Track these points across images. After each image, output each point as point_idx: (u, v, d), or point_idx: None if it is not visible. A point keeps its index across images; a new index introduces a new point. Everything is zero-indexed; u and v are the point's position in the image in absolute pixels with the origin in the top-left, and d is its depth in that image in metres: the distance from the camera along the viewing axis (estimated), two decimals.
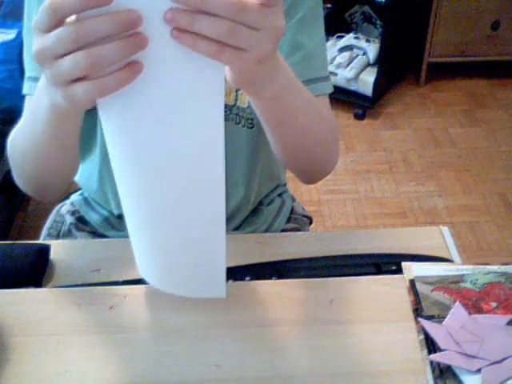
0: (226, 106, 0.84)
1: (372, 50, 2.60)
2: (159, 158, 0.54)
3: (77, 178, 0.95)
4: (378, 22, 2.70)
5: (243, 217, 0.95)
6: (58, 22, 0.47)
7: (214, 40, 0.47)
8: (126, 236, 0.85)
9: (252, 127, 0.85)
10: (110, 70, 0.48)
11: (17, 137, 0.75)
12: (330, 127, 0.79)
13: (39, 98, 0.61)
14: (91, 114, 0.83)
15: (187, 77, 0.49)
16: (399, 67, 2.82)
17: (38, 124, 0.65)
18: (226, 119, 0.85)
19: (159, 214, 0.60)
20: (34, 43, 0.50)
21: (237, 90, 0.83)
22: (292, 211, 1.04)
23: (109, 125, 0.54)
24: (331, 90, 0.82)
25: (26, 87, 0.79)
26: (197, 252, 0.63)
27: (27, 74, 0.80)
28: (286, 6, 0.76)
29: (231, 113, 0.84)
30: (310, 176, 0.85)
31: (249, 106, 0.83)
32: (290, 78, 0.63)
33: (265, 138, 0.90)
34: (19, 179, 0.80)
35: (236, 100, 0.83)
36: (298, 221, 1.04)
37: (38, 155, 0.72)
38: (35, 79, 0.78)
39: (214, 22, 0.46)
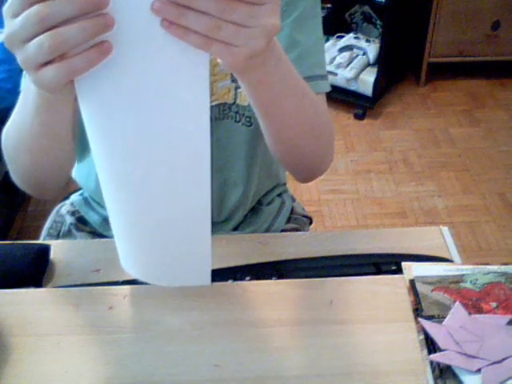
0: (225, 104, 0.84)
1: (372, 50, 2.60)
2: (142, 145, 0.53)
3: (76, 178, 0.94)
4: (378, 21, 2.70)
5: (242, 216, 0.95)
6: (27, 6, 0.47)
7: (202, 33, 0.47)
8: None
9: (250, 125, 0.85)
10: (77, 51, 0.47)
11: (10, 130, 0.74)
12: (325, 122, 0.79)
13: (28, 88, 0.61)
14: None
15: (172, 60, 0.49)
16: (399, 67, 2.82)
17: (28, 114, 0.65)
18: (226, 117, 0.85)
19: (143, 200, 0.59)
20: (5, 28, 0.50)
21: (236, 89, 0.83)
22: (292, 211, 1.04)
23: (89, 110, 0.53)
24: (329, 88, 0.82)
25: (23, 84, 0.79)
26: (182, 239, 0.62)
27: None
28: (283, 4, 0.75)
29: (230, 111, 0.84)
30: (304, 174, 0.85)
31: (249, 104, 0.83)
32: (284, 67, 0.63)
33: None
34: (15, 174, 0.79)
35: (235, 98, 0.83)
36: (298, 221, 1.04)
37: (30, 146, 0.71)
38: None
39: (199, 18, 0.47)
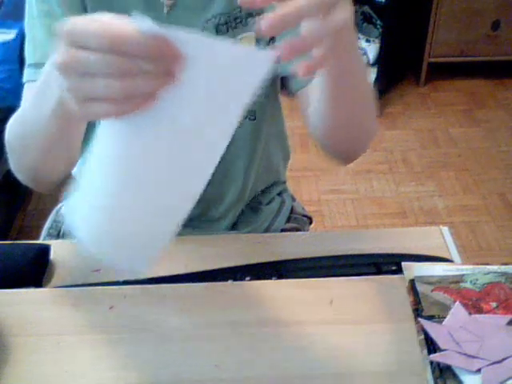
0: None
1: (372, 50, 2.60)
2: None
3: (76, 175, 0.95)
4: (378, 21, 2.70)
5: (238, 212, 0.95)
6: (107, 52, 0.47)
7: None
8: None
9: (254, 119, 0.86)
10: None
11: (16, 124, 0.74)
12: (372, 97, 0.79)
13: (45, 91, 0.61)
14: None
15: (203, 122, 0.51)
16: (399, 67, 2.82)
17: (42, 117, 0.64)
18: None
19: (130, 171, 0.58)
20: (61, 52, 0.49)
21: None
22: (292, 211, 1.04)
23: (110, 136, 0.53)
24: None
25: (28, 74, 0.78)
26: (149, 224, 0.61)
27: (29, 61, 0.79)
28: None
29: None
30: (351, 153, 0.83)
31: None
32: (356, 48, 0.66)
33: (266, 129, 0.90)
34: (16, 166, 0.78)
35: None
36: (298, 220, 1.04)
37: (39, 146, 0.71)
38: (37, 65, 0.77)
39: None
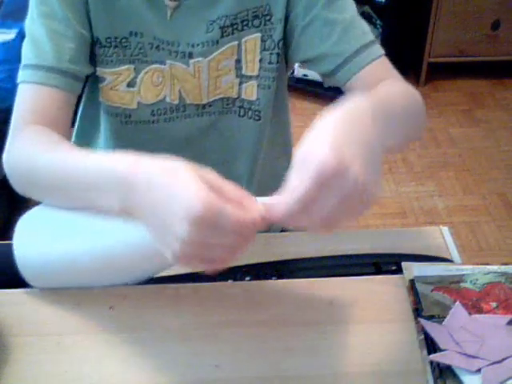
0: (228, 98, 0.84)
1: None
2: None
3: None
4: (378, 21, 2.70)
5: None
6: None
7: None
8: None
9: (259, 119, 0.85)
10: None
11: (25, 168, 0.71)
12: (414, 96, 0.79)
13: (97, 186, 0.60)
14: (95, 103, 0.83)
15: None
16: (399, 67, 2.81)
17: (74, 196, 0.65)
18: (229, 112, 0.85)
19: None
20: (182, 249, 0.51)
21: (240, 83, 0.83)
22: None
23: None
24: (382, 51, 0.83)
25: (25, 75, 0.77)
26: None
27: (25, 61, 0.78)
28: None
29: (234, 105, 0.84)
30: (406, 146, 0.87)
31: (258, 99, 0.83)
32: (389, 126, 0.64)
33: (270, 132, 0.90)
34: (18, 189, 0.75)
35: (240, 93, 0.83)
36: None
37: (60, 199, 0.68)
38: (35, 67, 0.76)
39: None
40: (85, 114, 0.91)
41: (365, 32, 0.82)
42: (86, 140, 0.91)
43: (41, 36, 0.77)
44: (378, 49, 0.82)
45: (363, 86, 0.79)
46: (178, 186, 0.51)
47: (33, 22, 0.79)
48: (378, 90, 0.72)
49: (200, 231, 0.50)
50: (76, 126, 0.93)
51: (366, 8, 2.70)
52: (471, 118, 2.59)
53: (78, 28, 0.76)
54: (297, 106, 2.55)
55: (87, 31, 0.78)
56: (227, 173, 0.89)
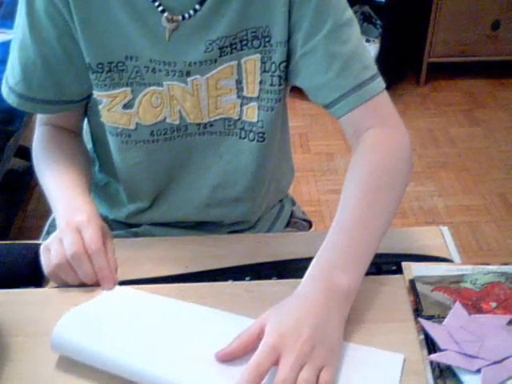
0: (229, 120, 0.82)
1: (372, 50, 2.60)
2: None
3: None
4: (378, 21, 2.70)
5: (242, 229, 0.95)
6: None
7: None
8: (125, 236, 0.85)
9: (263, 140, 0.83)
10: None
11: (35, 160, 0.88)
12: (401, 173, 0.83)
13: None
14: (101, 123, 0.84)
15: None
16: (399, 67, 2.82)
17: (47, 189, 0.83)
18: (229, 133, 0.83)
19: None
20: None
21: (241, 105, 0.81)
22: (292, 215, 1.03)
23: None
24: (383, 85, 0.80)
25: (14, 101, 0.82)
26: None
27: (11, 82, 0.82)
28: (310, 25, 0.76)
29: (235, 127, 0.82)
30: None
31: (259, 121, 0.81)
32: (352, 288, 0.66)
33: (274, 152, 0.88)
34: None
35: (241, 114, 0.82)
36: (298, 225, 1.03)
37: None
38: (20, 96, 0.81)
39: None
40: (96, 135, 0.91)
41: (366, 66, 0.79)
42: (102, 151, 0.92)
43: (15, 64, 0.80)
44: (378, 83, 0.79)
45: (351, 130, 0.80)
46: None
47: (15, 42, 0.81)
48: (339, 218, 0.72)
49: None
50: (91, 141, 0.94)
51: (366, 8, 2.71)
52: (471, 118, 2.59)
53: (62, 56, 0.78)
54: (297, 106, 2.55)
55: (77, 58, 0.78)
56: (224, 195, 0.89)
